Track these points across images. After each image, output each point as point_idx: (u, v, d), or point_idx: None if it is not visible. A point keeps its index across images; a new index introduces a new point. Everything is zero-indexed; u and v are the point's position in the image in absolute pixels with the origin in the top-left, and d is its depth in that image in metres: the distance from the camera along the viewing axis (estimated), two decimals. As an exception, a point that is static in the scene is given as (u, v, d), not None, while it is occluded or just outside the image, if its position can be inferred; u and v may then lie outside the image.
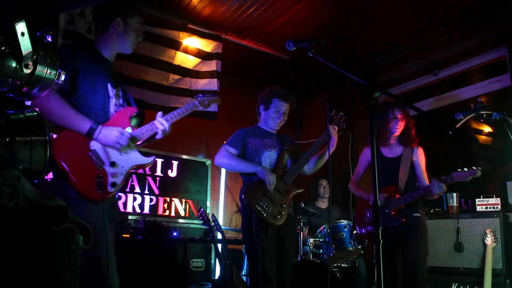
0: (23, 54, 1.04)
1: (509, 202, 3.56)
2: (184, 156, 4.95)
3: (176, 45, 4.23)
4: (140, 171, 4.54)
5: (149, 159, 2.21)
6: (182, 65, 4.30)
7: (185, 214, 4.81)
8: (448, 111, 4.48)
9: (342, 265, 4.02)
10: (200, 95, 2.46)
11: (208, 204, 5.03)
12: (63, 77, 1.20)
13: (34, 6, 1.08)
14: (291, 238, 2.96)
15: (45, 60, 1.11)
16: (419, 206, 3.08)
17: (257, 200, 2.68)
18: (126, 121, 2.16)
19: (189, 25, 4.24)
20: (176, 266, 3.72)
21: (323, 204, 4.72)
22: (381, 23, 4.19)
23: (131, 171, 2.18)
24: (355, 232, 4.00)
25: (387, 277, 2.88)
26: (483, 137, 4.63)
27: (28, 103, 1.78)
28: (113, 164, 2.05)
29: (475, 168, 2.77)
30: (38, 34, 1.11)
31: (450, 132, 3.00)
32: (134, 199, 4.46)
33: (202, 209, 4.07)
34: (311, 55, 2.09)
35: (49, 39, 1.15)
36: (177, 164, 4.85)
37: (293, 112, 3.07)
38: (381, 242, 1.53)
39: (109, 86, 2.18)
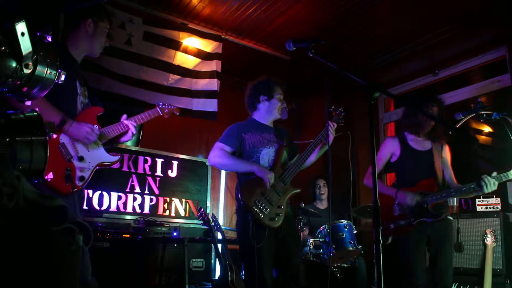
0: (23, 54, 1.04)
1: (509, 202, 3.57)
2: (184, 156, 4.95)
3: (176, 45, 4.23)
4: (140, 171, 4.54)
5: (115, 158, 2.28)
6: (182, 65, 4.30)
7: (185, 214, 4.81)
8: (448, 111, 4.47)
9: (342, 265, 4.02)
10: (161, 104, 2.60)
11: (208, 204, 5.03)
12: (63, 77, 1.20)
13: (34, 6, 1.08)
14: (292, 239, 2.80)
15: (45, 60, 1.11)
16: (447, 207, 2.98)
17: (254, 201, 2.55)
18: (93, 119, 2.22)
19: (189, 25, 4.24)
20: (176, 266, 3.71)
21: (321, 205, 4.69)
22: (381, 23, 4.18)
23: (97, 168, 2.22)
24: (355, 232, 4.00)
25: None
26: (483, 137, 4.63)
27: (28, 103, 1.78)
28: (81, 158, 2.10)
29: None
30: (38, 34, 1.11)
31: (450, 132, 3.01)
32: (134, 199, 4.46)
33: (202, 209, 4.07)
34: (311, 55, 2.09)
35: (49, 39, 1.15)
36: (177, 164, 4.84)
37: (293, 111, 3.03)
38: (381, 242, 1.53)
39: (77, 83, 2.21)
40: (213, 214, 4.16)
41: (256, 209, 2.54)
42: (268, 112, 2.89)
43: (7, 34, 1.01)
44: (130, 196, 4.44)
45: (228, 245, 3.97)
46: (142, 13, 3.98)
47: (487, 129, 4.56)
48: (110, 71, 3.88)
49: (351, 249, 3.78)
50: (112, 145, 2.36)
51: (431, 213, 2.80)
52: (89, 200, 4.14)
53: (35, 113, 1.17)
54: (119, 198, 4.34)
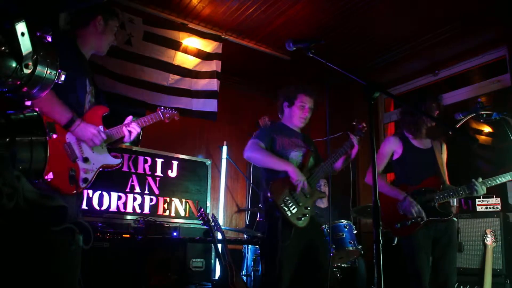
0: (23, 54, 1.04)
1: (509, 202, 3.57)
2: (184, 156, 4.95)
3: (176, 45, 4.23)
4: (140, 171, 4.54)
5: (117, 161, 2.25)
6: (182, 65, 4.30)
7: (185, 214, 4.81)
8: (448, 111, 4.48)
9: (342, 265, 4.02)
10: (162, 108, 2.57)
11: (208, 204, 5.03)
12: (63, 77, 1.20)
13: (34, 6, 1.08)
14: (322, 244, 2.78)
15: (45, 60, 1.11)
16: (451, 206, 2.95)
17: (283, 199, 2.58)
18: (99, 119, 2.19)
19: (189, 25, 4.24)
20: (176, 266, 3.71)
21: (322, 204, 4.72)
22: (381, 23, 4.19)
23: (100, 169, 2.19)
24: (355, 232, 4.01)
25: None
26: (483, 137, 4.64)
27: (28, 103, 1.78)
28: (86, 160, 2.06)
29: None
30: (38, 34, 1.11)
31: (450, 132, 3.00)
32: (134, 199, 4.46)
33: (202, 209, 4.07)
34: (311, 55, 2.09)
35: (49, 39, 1.15)
36: (177, 164, 4.84)
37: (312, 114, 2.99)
38: (381, 242, 1.53)
39: (87, 81, 2.19)
40: (213, 214, 4.15)
41: (284, 207, 2.57)
42: (289, 118, 2.92)
43: (7, 34, 1.01)
44: (130, 196, 4.44)
45: (228, 245, 3.97)
46: (142, 13, 3.98)
47: (487, 129, 4.56)
48: (110, 71, 3.88)
49: (351, 249, 3.78)
50: (112, 146, 2.34)
51: (439, 212, 2.77)
52: (89, 200, 4.13)
53: (35, 113, 1.17)
54: (119, 198, 4.34)
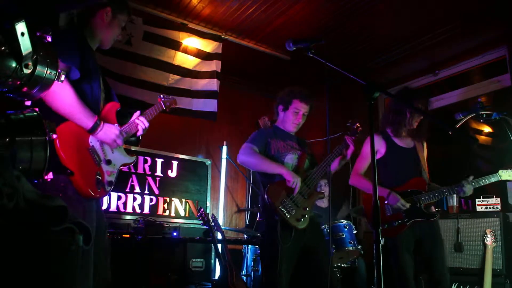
0: (23, 54, 1.04)
1: (509, 202, 3.57)
2: (184, 156, 4.95)
3: (176, 45, 4.23)
4: (140, 171, 4.54)
5: (133, 158, 2.21)
6: (182, 65, 4.30)
7: (185, 214, 4.81)
8: (448, 111, 4.48)
9: (342, 265, 4.02)
10: (162, 97, 2.48)
11: (208, 204, 5.03)
12: (63, 77, 1.20)
13: (34, 6, 1.08)
14: (322, 244, 2.76)
15: (45, 60, 1.11)
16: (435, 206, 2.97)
17: (281, 201, 2.57)
18: (113, 117, 2.13)
19: (189, 25, 4.24)
20: (176, 266, 3.71)
21: (323, 203, 4.73)
22: (381, 23, 4.19)
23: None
24: (355, 232, 4.01)
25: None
26: (483, 137, 4.64)
27: (28, 103, 1.78)
28: (108, 162, 2.02)
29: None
30: (38, 34, 1.11)
31: (450, 132, 3.00)
32: (134, 199, 4.46)
33: (202, 209, 4.07)
34: (311, 55, 2.09)
35: (49, 39, 1.15)
36: (177, 164, 4.84)
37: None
38: (381, 242, 1.53)
39: (100, 79, 2.12)
40: (213, 214, 4.16)
41: (282, 209, 2.55)
42: (284, 122, 2.91)
43: (7, 34, 1.01)
44: (130, 196, 4.44)
45: (228, 245, 3.97)
46: (142, 13, 3.98)
47: (487, 129, 4.56)
48: (110, 71, 3.88)
49: (351, 249, 3.78)
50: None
51: (425, 213, 2.80)
52: (89, 200, 4.13)
53: (35, 113, 1.17)
54: (119, 198, 4.35)
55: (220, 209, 5.25)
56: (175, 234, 3.88)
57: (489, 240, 3.25)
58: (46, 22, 1.15)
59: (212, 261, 4.33)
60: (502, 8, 3.78)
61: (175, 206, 4.76)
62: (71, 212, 1.05)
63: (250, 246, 4.42)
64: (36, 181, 1.15)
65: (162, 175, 4.72)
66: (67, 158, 1.79)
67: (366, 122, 1.71)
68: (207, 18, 4.21)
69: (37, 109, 1.19)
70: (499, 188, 3.62)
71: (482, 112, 2.88)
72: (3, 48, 1.01)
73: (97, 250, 1.90)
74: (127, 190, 4.42)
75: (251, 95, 5.76)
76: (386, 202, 2.83)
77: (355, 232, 3.95)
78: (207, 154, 5.32)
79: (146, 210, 4.52)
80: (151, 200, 4.59)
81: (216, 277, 4.23)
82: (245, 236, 4.55)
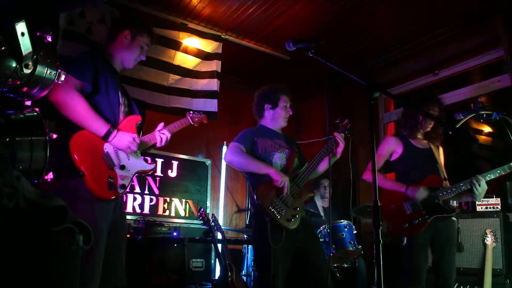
0: (23, 54, 1.04)
1: (509, 202, 3.57)
2: (184, 156, 4.95)
3: (176, 45, 4.22)
4: (140, 171, 4.54)
5: (151, 166, 2.41)
6: (182, 65, 4.29)
7: (185, 214, 4.81)
8: (448, 111, 4.47)
9: (342, 265, 4.02)
10: (191, 113, 2.72)
11: (208, 204, 5.03)
12: (63, 77, 1.20)
13: (34, 6, 1.08)
14: (315, 244, 2.73)
15: (45, 60, 1.11)
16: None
17: (270, 202, 2.53)
18: (133, 128, 2.30)
19: (189, 25, 4.24)
20: (176, 266, 3.71)
21: (324, 203, 4.75)
22: (381, 23, 4.19)
23: (136, 175, 2.34)
24: (355, 232, 4.00)
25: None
26: (483, 137, 4.64)
27: (28, 103, 1.79)
28: (122, 167, 2.19)
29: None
30: (38, 34, 1.11)
31: (450, 132, 3.00)
32: (134, 199, 4.46)
33: (202, 209, 4.07)
34: (311, 55, 2.09)
35: (49, 39, 1.15)
36: (177, 164, 4.84)
37: (293, 111, 3.01)
38: (381, 242, 1.53)
39: (119, 93, 2.30)
40: (213, 214, 4.16)
41: (272, 210, 2.51)
42: (273, 120, 2.90)
43: (7, 34, 1.01)
44: (130, 196, 4.44)
45: (228, 245, 3.97)
46: (142, 13, 3.98)
47: (487, 129, 4.56)
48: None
49: (351, 249, 3.78)
50: (145, 150, 2.46)
51: (444, 208, 2.81)
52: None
53: (35, 113, 1.17)
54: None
55: (220, 209, 5.25)
56: (175, 234, 3.88)
57: (489, 240, 3.25)
58: (46, 22, 1.15)
59: (212, 261, 4.33)
60: (502, 8, 3.77)
61: (175, 206, 4.76)
62: (78, 212, 1.05)
63: (250, 246, 4.42)
64: (36, 181, 1.15)
65: (162, 175, 4.72)
66: (80, 161, 1.99)
67: (366, 122, 1.71)
68: (207, 18, 4.21)
69: (37, 109, 1.20)
70: (499, 188, 3.62)
71: (482, 112, 2.88)
72: (3, 48, 1.01)
73: (114, 251, 2.11)
74: (127, 190, 4.41)
75: (251, 95, 5.74)
76: (405, 195, 2.86)
77: (355, 232, 3.95)
78: (207, 154, 5.32)
79: (146, 210, 4.52)
80: (151, 200, 4.59)
81: (216, 277, 4.22)
82: (245, 236, 4.55)
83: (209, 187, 5.07)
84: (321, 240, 3.89)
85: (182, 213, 4.79)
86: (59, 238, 0.98)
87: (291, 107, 2.94)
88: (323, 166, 2.84)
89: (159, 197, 4.65)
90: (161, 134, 2.39)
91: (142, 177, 4.54)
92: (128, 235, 3.66)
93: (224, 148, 5.31)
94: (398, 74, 4.91)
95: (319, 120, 5.57)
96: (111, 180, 2.08)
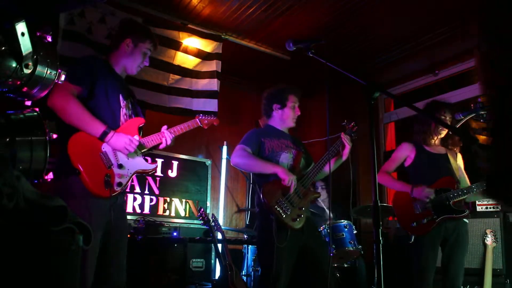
0: (23, 54, 1.04)
1: (509, 202, 3.56)
2: (184, 156, 4.95)
3: (176, 45, 4.22)
4: (140, 171, 4.54)
5: (152, 166, 2.42)
6: (182, 65, 4.29)
7: (185, 214, 4.81)
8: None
9: (342, 265, 4.02)
10: (201, 115, 2.75)
11: (208, 204, 5.03)
12: (63, 77, 1.20)
13: (34, 6, 1.08)
14: (319, 245, 2.74)
15: (45, 60, 1.11)
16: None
17: (276, 201, 2.54)
18: (134, 130, 2.35)
19: (189, 25, 4.23)
20: (176, 266, 3.71)
21: (324, 203, 4.72)
22: (381, 23, 4.18)
23: (135, 174, 2.36)
24: (355, 232, 4.00)
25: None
26: (483, 137, 4.63)
27: (28, 103, 1.79)
28: (120, 166, 2.22)
29: None
30: (38, 34, 1.11)
31: (450, 132, 3.01)
32: (134, 199, 4.46)
33: (202, 209, 4.07)
34: (311, 55, 2.09)
35: (49, 39, 1.15)
36: (177, 164, 4.84)
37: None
38: (381, 242, 1.53)
39: (120, 97, 2.35)
40: (213, 214, 4.16)
41: (278, 209, 2.52)
42: (281, 120, 2.91)
43: (7, 34, 1.01)
44: (130, 196, 4.44)
45: (228, 245, 3.97)
46: (142, 13, 3.98)
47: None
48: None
49: (351, 249, 3.78)
50: (149, 151, 2.49)
51: (454, 209, 2.83)
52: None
53: (35, 113, 1.17)
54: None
55: (220, 209, 5.25)
56: (175, 234, 3.88)
57: (489, 240, 3.25)
58: (46, 22, 1.15)
59: (212, 261, 4.33)
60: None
61: (175, 206, 4.76)
62: (72, 208, 1.05)
63: (250, 246, 4.42)
64: (36, 181, 1.15)
65: (162, 175, 4.72)
66: (77, 159, 2.06)
67: (366, 122, 1.71)
68: (207, 18, 4.21)
69: (37, 109, 1.20)
70: (499, 188, 3.61)
71: (482, 112, 2.88)
72: (3, 48, 1.01)
73: (115, 250, 2.15)
74: (127, 190, 4.41)
75: (251, 95, 5.76)
76: (412, 196, 2.91)
77: (355, 232, 3.94)
78: (207, 154, 5.32)
79: (146, 210, 4.52)
80: (151, 200, 4.59)
81: (216, 277, 4.22)
82: (245, 236, 4.55)
83: (209, 187, 5.07)
84: (321, 240, 3.90)
85: (182, 213, 4.79)
86: (59, 238, 0.98)
87: (299, 107, 2.94)
88: (328, 167, 2.84)
89: (159, 197, 4.65)
90: (165, 136, 2.43)
91: (142, 177, 4.54)
92: (128, 235, 3.67)
93: (224, 148, 5.32)
94: (398, 74, 4.91)
95: (319, 120, 5.57)
96: (108, 178, 2.12)
